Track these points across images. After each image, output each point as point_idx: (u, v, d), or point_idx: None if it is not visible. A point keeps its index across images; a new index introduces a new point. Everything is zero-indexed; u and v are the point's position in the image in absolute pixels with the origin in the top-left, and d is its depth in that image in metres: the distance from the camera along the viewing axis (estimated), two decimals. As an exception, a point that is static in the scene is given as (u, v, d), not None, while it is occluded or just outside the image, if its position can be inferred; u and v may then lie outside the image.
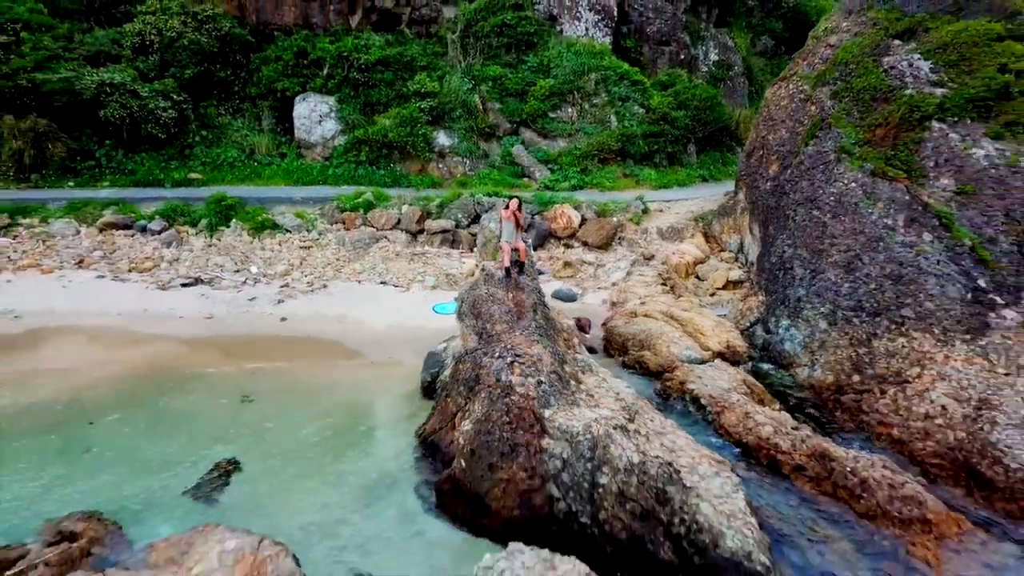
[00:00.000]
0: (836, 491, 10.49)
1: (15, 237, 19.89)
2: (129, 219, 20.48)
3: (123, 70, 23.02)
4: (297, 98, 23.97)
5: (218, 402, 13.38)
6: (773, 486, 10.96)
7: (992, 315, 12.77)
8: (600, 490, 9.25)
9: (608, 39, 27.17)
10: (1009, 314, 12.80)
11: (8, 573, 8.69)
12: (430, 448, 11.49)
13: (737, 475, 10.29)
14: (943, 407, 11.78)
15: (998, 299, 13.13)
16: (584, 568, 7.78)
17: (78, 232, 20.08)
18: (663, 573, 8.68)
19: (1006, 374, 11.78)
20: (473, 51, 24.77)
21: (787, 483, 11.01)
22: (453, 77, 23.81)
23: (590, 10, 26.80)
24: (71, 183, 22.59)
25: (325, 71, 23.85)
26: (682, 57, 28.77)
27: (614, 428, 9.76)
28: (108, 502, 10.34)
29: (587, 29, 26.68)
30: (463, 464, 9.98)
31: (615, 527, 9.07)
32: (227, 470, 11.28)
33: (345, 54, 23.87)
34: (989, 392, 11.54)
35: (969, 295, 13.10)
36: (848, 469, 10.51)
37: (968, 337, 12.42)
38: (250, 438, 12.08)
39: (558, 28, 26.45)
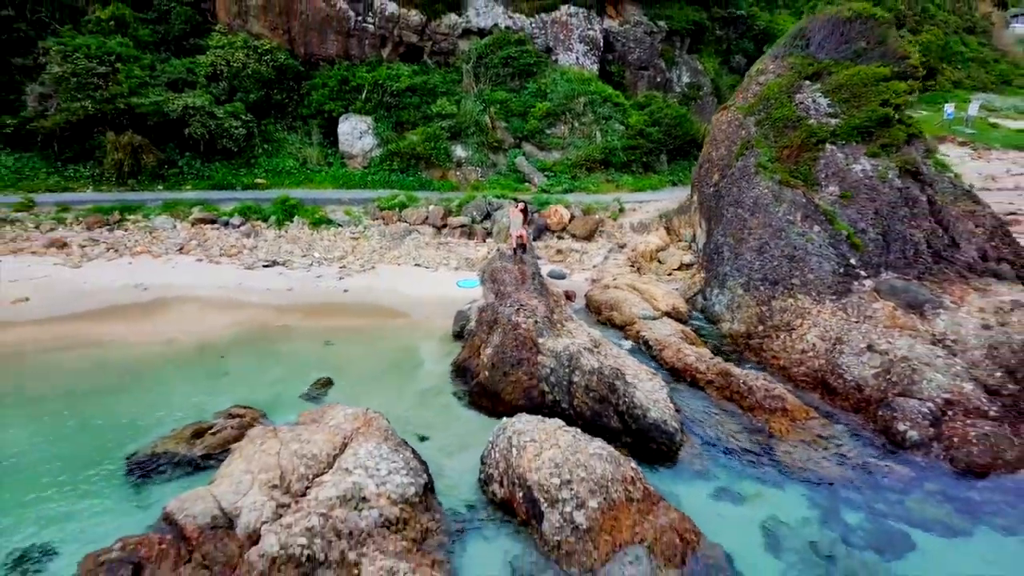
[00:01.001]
0: (732, 395, 15.63)
1: (126, 229, 25.03)
2: (213, 216, 25.58)
3: (201, 95, 28.09)
4: (341, 118, 29.03)
5: (308, 345, 18.52)
6: (691, 394, 16.10)
7: (855, 283, 17.90)
8: (573, 386, 14.42)
9: (595, 66, 32.17)
10: (867, 283, 17.93)
11: (211, 431, 13.87)
12: (461, 371, 16.62)
13: (664, 383, 15.48)
14: (813, 344, 16.92)
15: (862, 272, 18.26)
16: (560, 423, 12.95)
17: (175, 226, 25.20)
18: (613, 435, 13.81)
19: (856, 321, 16.91)
20: (483, 79, 29.84)
21: (702, 392, 16.14)
22: (467, 101, 28.85)
23: (580, 42, 31.80)
24: (160, 187, 27.70)
25: (363, 95, 28.92)
26: (658, 80, 33.76)
27: (584, 349, 14.92)
28: (250, 402, 15.48)
29: (578, 58, 31.71)
30: (486, 373, 15.15)
31: (583, 408, 14.22)
32: (324, 384, 16.41)
33: (380, 82, 28.91)
34: (842, 333, 16.69)
35: (842, 269, 18.23)
36: (740, 380, 15.66)
37: (835, 298, 17.55)
38: (336, 367, 17.20)
39: (553, 58, 31.46)
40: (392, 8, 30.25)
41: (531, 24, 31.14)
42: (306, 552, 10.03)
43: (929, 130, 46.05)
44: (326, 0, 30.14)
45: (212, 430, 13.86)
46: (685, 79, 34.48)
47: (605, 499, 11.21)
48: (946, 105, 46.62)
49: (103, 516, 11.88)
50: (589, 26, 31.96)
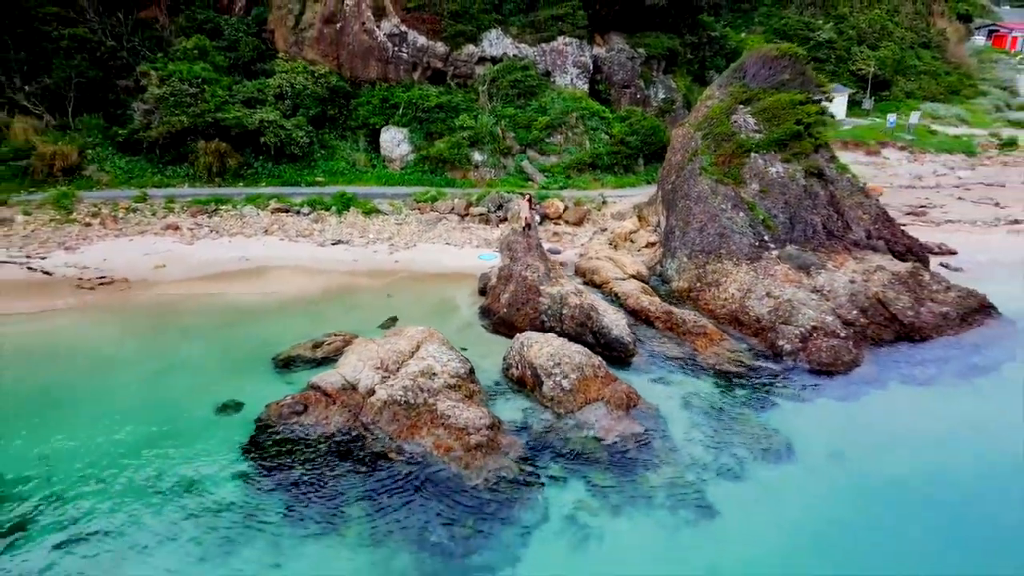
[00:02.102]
0: (672, 327, 22.54)
1: (221, 216, 31.95)
2: (287, 206, 32.47)
3: (271, 111, 34.96)
4: (382, 129, 35.82)
5: (374, 297, 25.42)
6: (644, 328, 22.95)
7: (765, 253, 24.81)
8: (563, 315, 21.38)
9: (586, 86, 38.99)
10: (774, 252, 24.84)
11: (325, 344, 20.80)
12: (486, 311, 23.48)
13: (624, 316, 22.42)
14: (732, 294, 23.84)
15: (772, 245, 25.17)
16: (554, 335, 19.88)
17: (258, 214, 32.12)
18: (590, 347, 20.66)
19: (762, 278, 23.81)
20: (495, 98, 36.60)
21: (652, 327, 23.02)
22: (483, 116, 35.60)
23: (574, 67, 38.58)
24: (241, 184, 34.58)
25: (400, 111, 35.68)
26: (638, 96, 40.54)
27: (570, 293, 21.89)
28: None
29: (571, 80, 38.48)
30: (504, 310, 22.12)
31: (569, 329, 21.11)
32: (392, 321, 23.28)
33: (413, 100, 35.68)
34: (751, 286, 23.61)
35: (757, 243, 25.13)
36: (678, 316, 22.58)
37: (749, 262, 24.45)
38: (396, 310, 24.06)
39: (552, 80, 38.23)
40: (422, 40, 37.06)
41: (534, 52, 37.92)
42: (403, 398, 17.00)
43: (874, 136, 53.01)
44: (368, 34, 36.95)
45: (325, 343, 20.83)
46: (660, 95, 41.24)
47: (580, 374, 18.19)
48: (889, 115, 53.46)
49: (266, 388, 18.79)
50: (581, 53, 38.79)
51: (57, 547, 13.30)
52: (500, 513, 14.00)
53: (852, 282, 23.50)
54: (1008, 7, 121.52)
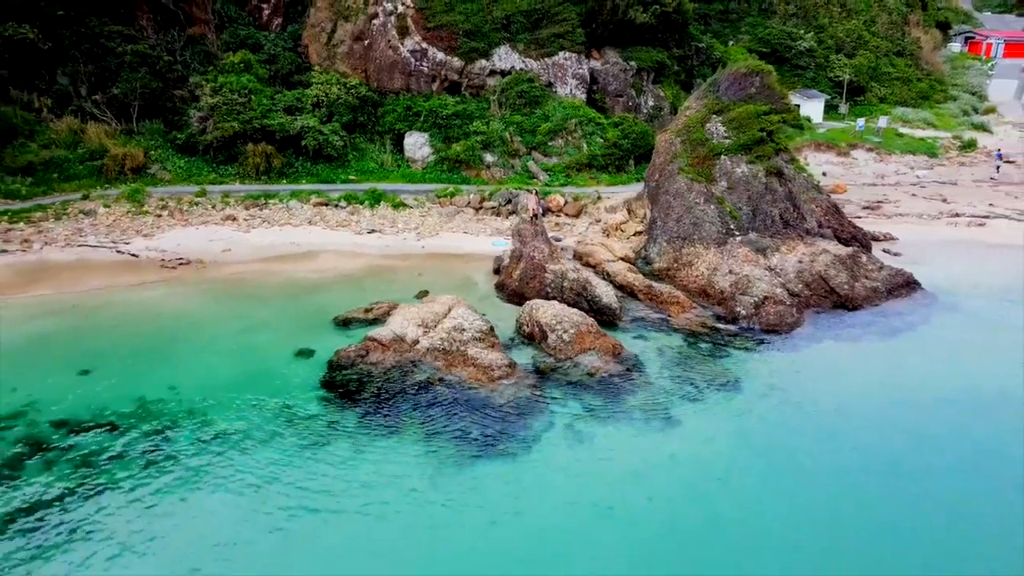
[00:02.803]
0: (651, 298, 27.57)
1: (270, 209, 36.95)
2: (326, 200, 37.48)
3: (310, 118, 39.98)
4: (406, 134, 40.85)
5: (407, 275, 30.40)
6: (630, 299, 28.00)
7: (730, 239, 29.85)
8: (563, 287, 26.42)
9: (584, 96, 43.93)
10: (738, 239, 29.88)
11: (374, 309, 25.82)
12: (500, 286, 28.47)
13: (613, 289, 27.46)
14: (702, 272, 28.88)
15: (736, 233, 30.19)
16: (556, 302, 24.93)
17: (302, 207, 37.13)
18: (585, 312, 25.70)
19: (726, 259, 28.80)
20: (505, 106, 41.59)
21: (635, 298, 28.07)
22: (494, 122, 40.59)
23: (573, 78, 43.56)
24: (284, 181, 39.60)
25: (422, 118, 40.72)
26: (630, 104, 45.47)
27: (570, 270, 26.94)
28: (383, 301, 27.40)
29: (571, 90, 43.44)
30: (516, 283, 27.16)
31: (568, 298, 26.07)
32: (424, 293, 28.28)
33: (433, 108, 40.70)
34: (718, 265, 28.64)
35: (724, 231, 30.17)
36: (656, 289, 27.64)
37: (717, 247, 29.49)
38: (427, 285, 29.01)
39: (553, 91, 43.20)
40: (440, 56, 42.04)
41: (538, 66, 42.89)
42: (442, 346, 22.06)
43: (845, 138, 57.95)
44: (393, 50, 41.91)
45: (375, 308, 25.86)
46: (650, 103, 46.18)
47: (577, 330, 23.22)
48: (858, 119, 58.46)
49: (330, 341, 23.72)
50: (579, 67, 43.81)
51: (197, 442, 18.36)
52: (518, 421, 19.06)
53: (800, 262, 28.56)
54: (989, 12, 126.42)
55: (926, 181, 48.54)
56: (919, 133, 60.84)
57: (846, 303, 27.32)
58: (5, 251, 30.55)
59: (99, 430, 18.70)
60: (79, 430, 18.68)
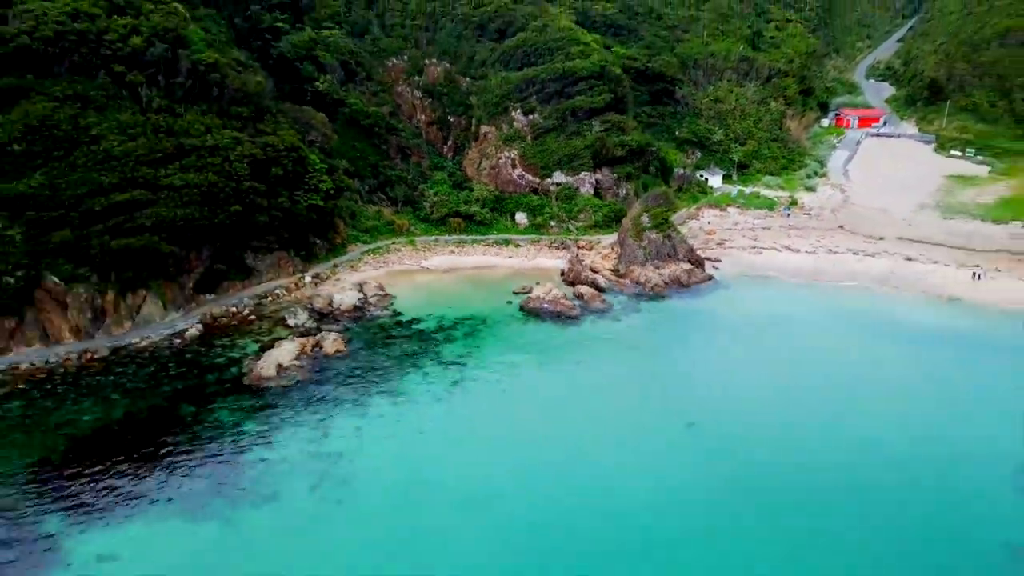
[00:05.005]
0: (617, 282, 78.52)
1: (466, 247, 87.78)
2: (485, 243, 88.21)
3: (475, 205, 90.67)
4: (516, 212, 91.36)
5: (527, 276, 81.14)
6: (609, 284, 78.90)
7: (647, 262, 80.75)
8: (585, 278, 77.52)
9: (592, 192, 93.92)
10: (650, 262, 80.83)
11: (523, 289, 76.88)
12: (563, 279, 79.47)
13: (604, 279, 78.46)
14: (637, 273, 79.86)
15: (648, 259, 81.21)
16: (584, 285, 76.05)
17: (474, 245, 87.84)
18: (592, 286, 76.43)
19: (642, 269, 79.53)
20: (558, 199, 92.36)
21: (613, 282, 78.99)
22: (553, 207, 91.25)
23: (587, 184, 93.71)
24: (467, 234, 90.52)
25: (522, 205, 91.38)
26: (614, 193, 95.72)
27: (587, 271, 77.96)
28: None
29: (586, 190, 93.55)
30: (570, 277, 78.14)
31: (587, 282, 77.03)
32: (537, 283, 79.04)
33: (528, 202, 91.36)
34: (640, 272, 79.61)
35: (644, 259, 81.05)
36: (618, 279, 78.63)
37: (640, 265, 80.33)
38: (537, 278, 79.83)
39: (578, 190, 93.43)
40: (529, 177, 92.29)
41: (572, 180, 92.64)
42: (548, 297, 73.69)
43: (726, 201, 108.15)
44: (508, 174, 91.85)
45: (524, 288, 76.83)
46: (623, 193, 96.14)
47: (591, 293, 74.76)
48: (734, 187, 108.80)
49: (513, 298, 74.80)
50: (590, 178, 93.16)
51: (474, 327, 69.83)
52: (582, 320, 70.57)
53: (671, 272, 79.68)
54: (873, 80, 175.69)
55: (754, 227, 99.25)
56: (772, 194, 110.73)
57: (683, 287, 78.47)
58: (384, 265, 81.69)
59: (429, 323, 70.00)
60: (421, 323, 70.13)
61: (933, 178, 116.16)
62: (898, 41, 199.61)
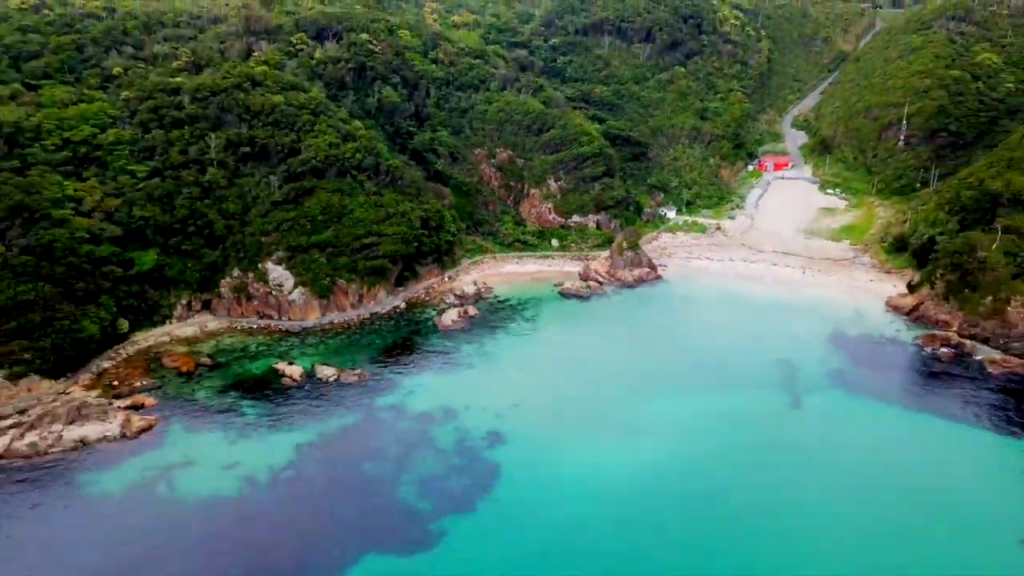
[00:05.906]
0: (609, 279, 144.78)
1: (528, 257, 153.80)
2: (535, 256, 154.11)
3: (533, 236, 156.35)
4: (551, 239, 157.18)
5: (560, 275, 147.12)
6: (605, 280, 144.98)
7: (627, 268, 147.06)
8: (592, 277, 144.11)
9: (595, 226, 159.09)
10: (627, 268, 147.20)
11: (561, 284, 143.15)
12: (580, 277, 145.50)
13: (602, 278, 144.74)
14: (621, 275, 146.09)
15: (627, 267, 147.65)
16: (592, 281, 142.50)
17: (534, 259, 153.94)
18: (597, 281, 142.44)
19: (623, 270, 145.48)
20: (575, 231, 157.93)
21: (607, 280, 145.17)
22: (574, 237, 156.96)
23: (591, 224, 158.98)
24: (526, 251, 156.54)
25: (556, 235, 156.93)
26: (607, 227, 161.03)
27: (594, 272, 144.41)
28: (562, 287, 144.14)
29: (593, 226, 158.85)
30: (584, 275, 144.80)
31: (596, 278, 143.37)
32: (562, 282, 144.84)
33: (557, 235, 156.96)
34: (624, 273, 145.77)
35: (624, 267, 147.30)
36: (610, 276, 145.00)
37: (622, 269, 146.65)
38: (564, 278, 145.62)
39: (588, 226, 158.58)
40: (559, 218, 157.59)
41: (584, 220, 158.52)
42: (583, 287, 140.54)
43: (677, 228, 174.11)
44: (548, 216, 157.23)
45: (566, 283, 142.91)
46: (614, 227, 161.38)
47: (596, 284, 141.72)
48: (680, 217, 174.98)
49: (555, 288, 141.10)
50: (594, 219, 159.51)
51: (537, 308, 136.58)
52: (600, 298, 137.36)
53: (639, 273, 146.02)
54: (794, 130, 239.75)
55: (691, 245, 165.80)
56: (705, 222, 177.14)
57: (645, 282, 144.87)
58: (481, 271, 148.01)
59: (512, 301, 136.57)
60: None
61: (811, 210, 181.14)
62: (820, 93, 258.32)
